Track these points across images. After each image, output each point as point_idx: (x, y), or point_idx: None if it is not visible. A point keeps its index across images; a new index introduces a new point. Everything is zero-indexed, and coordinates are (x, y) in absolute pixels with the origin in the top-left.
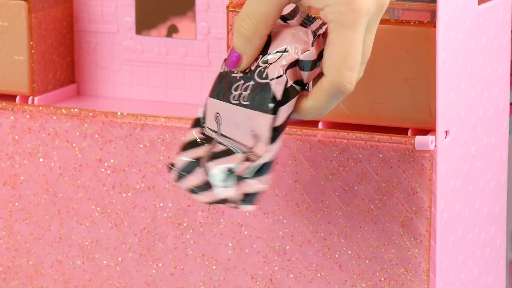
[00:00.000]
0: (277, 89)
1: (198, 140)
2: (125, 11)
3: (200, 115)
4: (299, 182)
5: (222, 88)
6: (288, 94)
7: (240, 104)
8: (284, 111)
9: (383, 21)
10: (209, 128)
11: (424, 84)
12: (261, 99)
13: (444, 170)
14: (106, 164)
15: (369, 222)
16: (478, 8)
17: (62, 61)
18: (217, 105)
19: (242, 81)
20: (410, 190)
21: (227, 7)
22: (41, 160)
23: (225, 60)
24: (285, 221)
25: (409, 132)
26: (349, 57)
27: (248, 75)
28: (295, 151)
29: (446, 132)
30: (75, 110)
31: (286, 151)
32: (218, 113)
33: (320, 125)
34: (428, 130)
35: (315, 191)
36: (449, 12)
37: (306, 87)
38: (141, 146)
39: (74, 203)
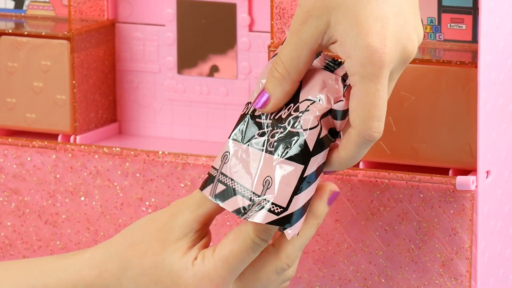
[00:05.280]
0: (310, 140)
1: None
2: (167, 50)
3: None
4: (339, 221)
5: (243, 131)
6: (321, 144)
7: (265, 150)
8: (315, 161)
9: (424, 61)
10: (213, 167)
11: (465, 124)
12: (291, 148)
13: (485, 210)
14: (147, 203)
15: (410, 262)
16: None
17: (104, 100)
18: (233, 146)
19: (270, 128)
20: (451, 230)
21: (269, 46)
22: (82, 198)
23: (247, 103)
24: (325, 261)
25: (450, 172)
26: (374, 109)
27: (278, 122)
28: None
29: (487, 172)
30: (117, 149)
31: None
32: (227, 152)
33: (361, 165)
34: (469, 170)
35: (355, 231)
36: (490, 52)
37: (339, 135)
38: (182, 185)
39: None
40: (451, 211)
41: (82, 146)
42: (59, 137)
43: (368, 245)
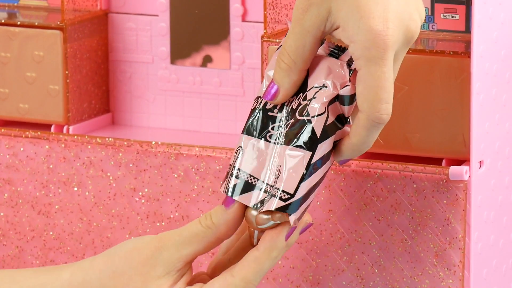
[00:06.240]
0: (318, 126)
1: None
2: (160, 41)
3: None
4: (333, 212)
5: (255, 125)
6: (328, 131)
7: (278, 143)
8: (322, 148)
9: (417, 51)
10: (229, 164)
11: (458, 114)
12: (300, 135)
13: (478, 200)
14: (140, 193)
15: (403, 252)
16: None
17: (97, 90)
18: (245, 140)
19: (284, 121)
20: (444, 220)
21: (262, 37)
22: (75, 189)
23: (257, 97)
24: (318, 251)
25: (443, 162)
26: (381, 91)
27: (291, 113)
28: (329, 181)
29: (480, 162)
30: (110, 139)
31: None
32: (240, 147)
33: None
34: (462, 160)
35: (349, 221)
36: (484, 42)
37: (348, 121)
38: (176, 175)
39: (108, 232)
40: (444, 201)
41: (75, 137)
42: (52, 128)
43: (361, 236)
